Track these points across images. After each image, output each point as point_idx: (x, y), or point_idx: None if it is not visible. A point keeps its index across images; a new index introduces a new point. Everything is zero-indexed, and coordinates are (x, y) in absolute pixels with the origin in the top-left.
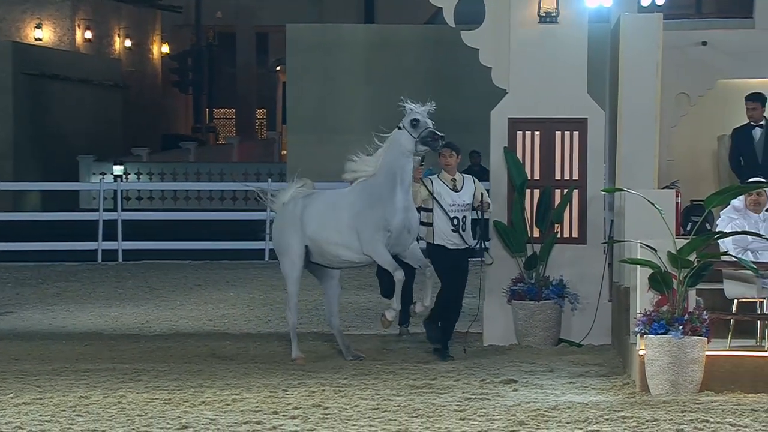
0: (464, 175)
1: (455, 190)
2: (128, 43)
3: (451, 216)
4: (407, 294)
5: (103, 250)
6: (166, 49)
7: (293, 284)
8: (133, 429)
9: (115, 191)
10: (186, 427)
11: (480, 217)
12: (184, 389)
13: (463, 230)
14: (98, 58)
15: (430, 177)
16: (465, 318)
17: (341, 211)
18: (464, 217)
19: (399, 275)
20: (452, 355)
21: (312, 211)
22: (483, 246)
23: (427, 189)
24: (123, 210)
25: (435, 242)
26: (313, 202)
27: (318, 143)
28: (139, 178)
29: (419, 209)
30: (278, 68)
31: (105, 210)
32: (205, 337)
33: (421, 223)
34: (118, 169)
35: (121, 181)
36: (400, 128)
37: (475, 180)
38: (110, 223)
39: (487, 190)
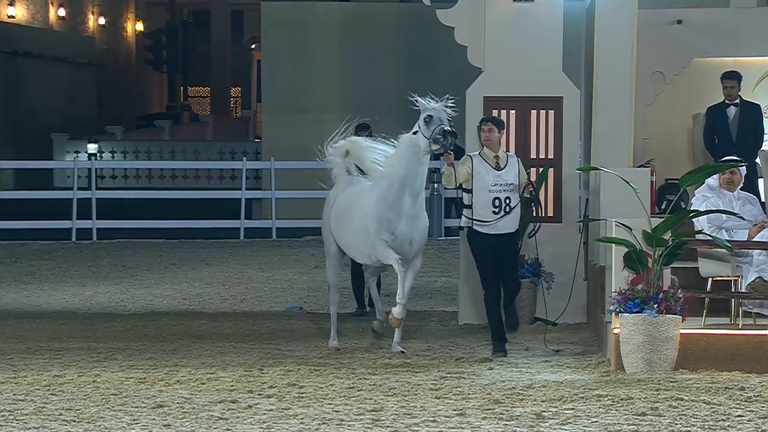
0: (508, 153)
1: (498, 168)
2: (102, 20)
3: (492, 197)
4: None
5: (77, 228)
6: (140, 26)
7: (331, 273)
8: (108, 408)
9: (90, 169)
10: (161, 406)
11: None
12: (159, 368)
13: (507, 212)
14: (72, 35)
15: (470, 154)
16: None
17: (356, 219)
18: (507, 198)
19: (399, 267)
20: (505, 350)
21: (335, 210)
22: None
23: (455, 171)
24: (97, 188)
25: (474, 227)
26: (340, 197)
27: (293, 121)
28: (113, 157)
29: (461, 188)
30: (253, 46)
31: (79, 188)
32: (180, 316)
33: (463, 206)
34: (92, 148)
35: (96, 159)
36: (415, 133)
37: (520, 161)
38: (84, 201)
39: None
